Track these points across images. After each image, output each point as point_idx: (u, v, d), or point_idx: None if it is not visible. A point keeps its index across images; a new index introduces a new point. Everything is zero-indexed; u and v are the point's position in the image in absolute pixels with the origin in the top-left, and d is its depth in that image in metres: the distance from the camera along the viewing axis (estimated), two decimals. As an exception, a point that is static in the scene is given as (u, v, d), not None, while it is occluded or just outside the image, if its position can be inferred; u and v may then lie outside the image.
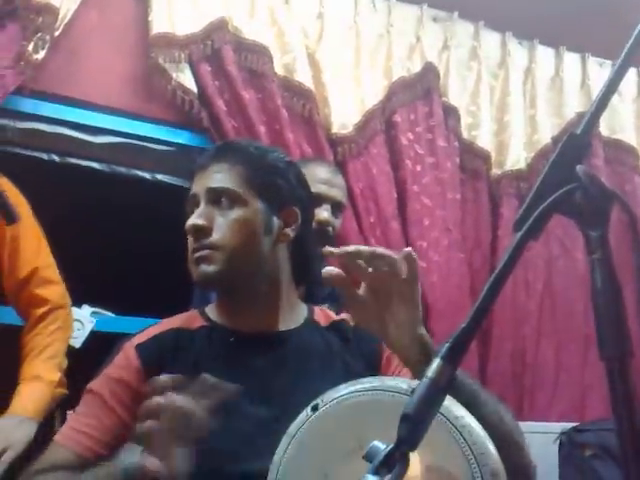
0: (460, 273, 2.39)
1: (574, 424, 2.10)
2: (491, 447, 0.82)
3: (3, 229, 1.59)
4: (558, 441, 1.94)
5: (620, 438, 0.68)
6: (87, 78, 2.09)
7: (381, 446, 0.68)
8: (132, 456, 0.91)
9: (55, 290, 1.67)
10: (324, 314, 1.16)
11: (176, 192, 2.10)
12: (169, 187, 2.16)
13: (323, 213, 1.75)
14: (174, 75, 2.11)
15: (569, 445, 1.91)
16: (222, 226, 1.08)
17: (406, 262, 0.94)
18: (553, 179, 0.76)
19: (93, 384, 1.07)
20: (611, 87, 0.77)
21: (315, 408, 0.84)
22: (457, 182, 2.48)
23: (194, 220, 1.08)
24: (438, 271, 2.36)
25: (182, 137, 2.19)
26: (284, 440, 0.84)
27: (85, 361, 1.63)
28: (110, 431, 1.03)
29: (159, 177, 2.14)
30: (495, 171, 2.57)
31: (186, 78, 2.12)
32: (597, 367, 2.63)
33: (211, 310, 1.15)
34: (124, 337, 1.15)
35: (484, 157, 2.55)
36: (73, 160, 2.03)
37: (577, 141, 0.77)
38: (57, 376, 1.58)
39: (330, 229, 1.78)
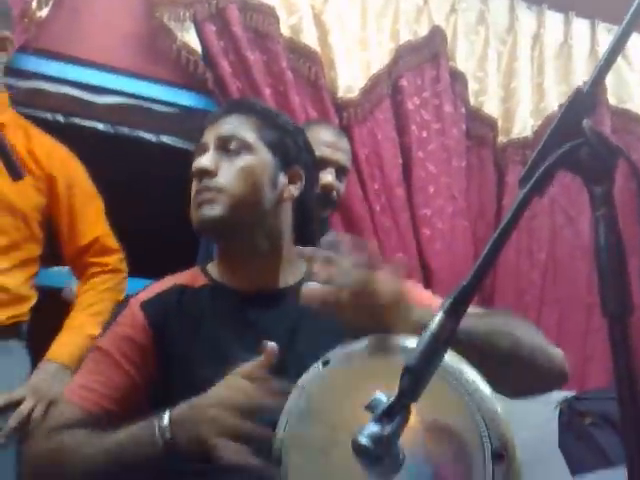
0: (464, 241, 2.39)
1: (574, 393, 2.11)
2: (501, 413, 0.82)
3: (59, 194, 1.59)
4: (558, 409, 1.95)
5: (620, 398, 0.68)
6: (91, 37, 2.07)
7: (383, 397, 0.69)
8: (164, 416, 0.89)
9: (114, 257, 1.71)
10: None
11: (180, 154, 2.09)
12: (173, 149, 2.15)
13: (327, 177, 1.75)
14: (179, 35, 2.09)
15: (569, 413, 1.93)
16: (229, 171, 1.08)
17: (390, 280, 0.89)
18: (559, 135, 0.76)
19: (100, 341, 1.08)
20: (621, 40, 0.76)
21: (326, 363, 0.84)
22: (463, 149, 2.47)
23: (201, 162, 1.08)
24: (442, 239, 2.36)
25: (186, 98, 2.17)
26: (294, 392, 0.84)
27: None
28: (118, 387, 1.03)
29: (163, 139, 2.13)
30: (501, 139, 2.55)
31: (191, 38, 2.10)
32: (599, 337, 2.66)
33: (212, 268, 1.15)
34: (127, 297, 1.16)
35: (491, 124, 2.53)
36: (77, 120, 2.02)
37: (584, 97, 0.77)
38: (98, 332, 1.59)
39: (334, 193, 1.78)
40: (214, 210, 1.06)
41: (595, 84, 0.78)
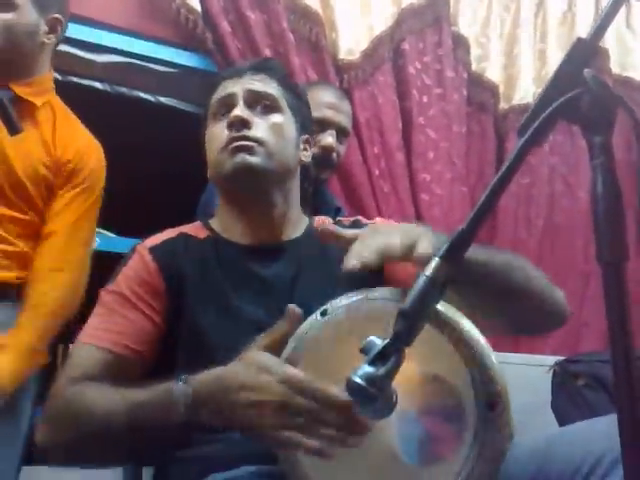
0: (462, 207, 2.39)
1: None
2: (496, 364, 0.82)
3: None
4: (551, 371, 1.97)
5: (613, 345, 0.69)
6: (90, -6, 2.04)
7: (378, 341, 0.70)
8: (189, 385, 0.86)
9: None
10: (322, 221, 1.18)
11: (179, 115, 2.08)
12: (172, 110, 2.13)
13: (328, 138, 1.74)
14: (178, -7, 2.06)
15: (562, 375, 1.95)
16: (263, 126, 1.10)
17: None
18: (560, 84, 0.76)
19: (110, 286, 1.05)
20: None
21: (324, 313, 0.85)
22: (463, 115, 2.45)
23: (239, 112, 1.09)
24: (440, 205, 2.36)
25: (185, 58, 2.15)
26: (291, 341, 0.85)
27: (88, 281, 1.65)
28: (136, 326, 1.01)
29: (162, 99, 2.11)
30: (502, 105, 2.54)
31: (191, -4, 2.08)
32: (594, 305, 2.67)
33: (214, 222, 1.16)
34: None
35: (492, 90, 2.52)
36: (75, 79, 2.00)
37: (585, 46, 0.76)
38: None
39: (334, 155, 1.77)
40: (254, 159, 1.07)
41: (596, 34, 0.78)
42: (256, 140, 1.08)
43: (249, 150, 1.07)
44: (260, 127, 1.10)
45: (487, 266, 0.89)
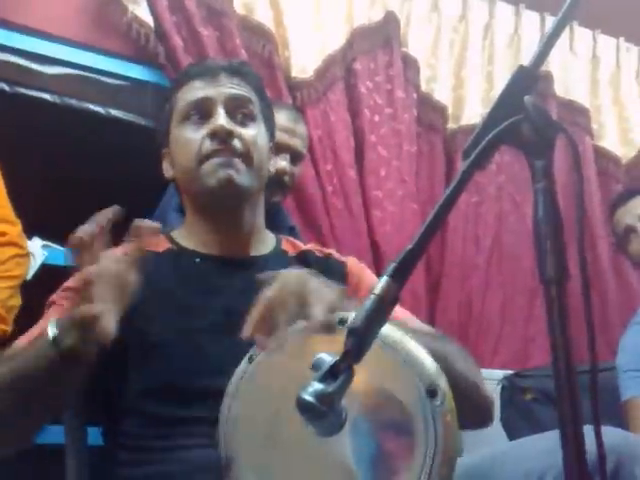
0: (413, 224, 2.42)
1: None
2: (443, 382, 0.83)
3: None
4: (500, 386, 2.01)
5: (555, 361, 0.71)
6: (40, 6, 2.01)
7: (327, 358, 0.71)
8: (60, 324, 0.86)
9: (11, 229, 1.64)
10: (291, 244, 1.17)
11: (129, 128, 2.06)
12: (122, 122, 2.11)
13: (281, 162, 1.72)
14: (130, 7, 2.05)
15: (510, 389, 1.99)
16: (247, 138, 1.06)
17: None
18: (502, 110, 0.79)
19: (53, 296, 1.05)
20: (563, 20, 0.79)
21: (251, 359, 0.85)
22: (414, 134, 2.50)
23: (223, 122, 1.04)
24: (392, 221, 2.39)
25: (137, 72, 2.14)
26: (229, 390, 0.85)
27: (35, 294, 1.62)
28: None
29: (112, 112, 2.09)
30: (451, 125, 2.60)
31: (143, 11, 2.06)
32: (541, 321, 2.73)
33: (178, 234, 1.13)
34: (75, 271, 1.13)
35: (441, 111, 2.57)
36: (23, 90, 1.97)
37: (526, 73, 0.80)
38: None
39: (286, 178, 1.76)
40: (243, 178, 1.05)
41: (537, 61, 0.81)
42: (241, 155, 1.05)
43: (235, 167, 1.04)
44: (242, 139, 1.06)
45: None
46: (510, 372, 2.11)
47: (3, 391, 0.87)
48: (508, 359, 2.49)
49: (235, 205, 1.08)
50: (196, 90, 1.08)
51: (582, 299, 0.72)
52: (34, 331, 1.02)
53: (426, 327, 1.09)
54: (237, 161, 1.04)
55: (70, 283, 1.05)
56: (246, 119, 1.08)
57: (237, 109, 1.07)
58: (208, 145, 1.05)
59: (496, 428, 1.95)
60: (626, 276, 2.77)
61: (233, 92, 1.07)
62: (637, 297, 2.75)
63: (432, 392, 0.79)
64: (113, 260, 0.85)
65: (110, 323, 0.81)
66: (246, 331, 0.82)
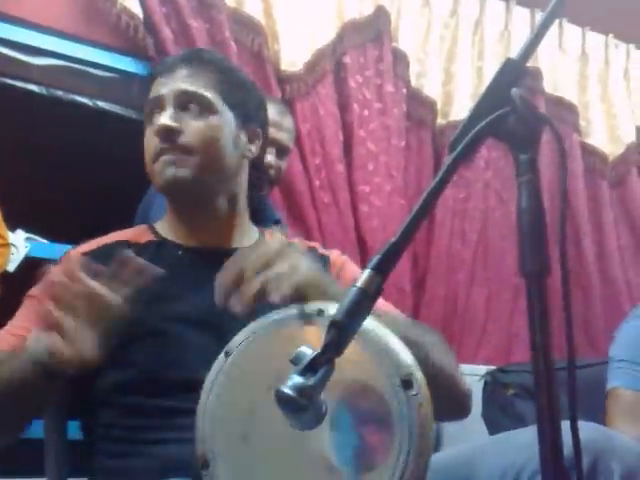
0: (400, 219, 2.39)
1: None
2: (419, 375, 0.83)
3: None
4: (482, 381, 2.02)
5: (534, 356, 0.71)
6: (28, -4, 2.00)
7: (308, 351, 0.71)
8: (38, 342, 0.86)
9: None
10: (275, 237, 1.17)
11: (116, 120, 2.05)
12: (109, 115, 2.10)
13: (267, 156, 1.71)
14: (119, -2, 2.04)
15: (492, 384, 1.99)
16: (193, 131, 1.04)
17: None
18: (489, 103, 0.79)
19: (33, 290, 1.04)
20: (552, 13, 0.79)
21: (227, 353, 0.85)
22: (402, 129, 2.50)
23: (166, 121, 1.04)
24: (379, 216, 2.39)
25: (125, 64, 2.12)
26: (205, 386, 0.84)
27: (18, 286, 1.61)
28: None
29: (100, 104, 2.08)
30: (440, 121, 2.60)
31: (132, 2, 2.05)
32: (524, 316, 2.74)
33: (161, 226, 1.13)
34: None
35: (430, 106, 2.57)
36: (9, 81, 1.96)
37: (513, 66, 0.79)
38: None
39: (272, 171, 1.75)
40: (182, 172, 1.03)
41: (525, 54, 0.81)
42: (185, 150, 1.04)
43: (177, 163, 1.03)
44: (191, 133, 1.05)
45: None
46: (493, 368, 2.12)
47: None
48: (492, 354, 2.50)
49: (191, 199, 1.08)
50: (155, 87, 1.09)
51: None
52: (14, 323, 1.03)
53: (406, 318, 1.09)
54: (182, 157, 1.04)
55: (52, 276, 1.04)
56: (202, 110, 1.06)
57: (189, 103, 1.06)
58: (157, 144, 1.05)
59: (478, 424, 1.96)
60: (611, 273, 2.79)
61: (182, 87, 1.06)
62: (621, 294, 2.77)
63: (407, 383, 0.79)
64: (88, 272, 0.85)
65: (88, 353, 0.83)
66: (218, 298, 0.83)
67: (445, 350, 0.99)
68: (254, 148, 1.12)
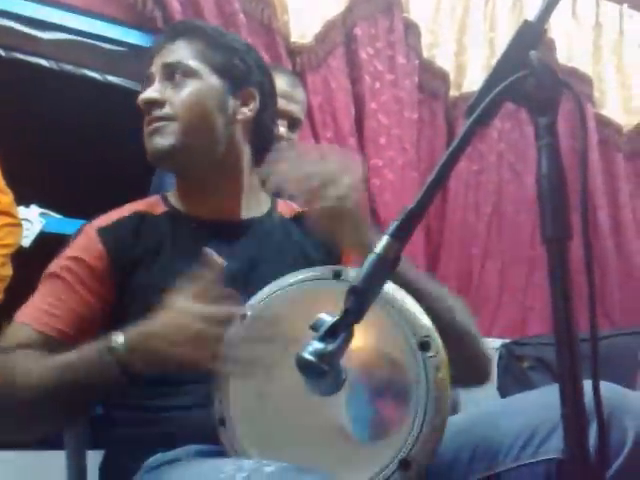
0: (413, 192, 2.41)
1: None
2: (437, 338, 0.83)
3: None
4: (498, 353, 2.02)
5: (556, 321, 0.71)
6: (36, -30, 1.98)
7: (327, 317, 0.71)
8: (119, 337, 0.89)
9: (3, 198, 1.63)
10: (288, 206, 1.16)
11: (127, 94, 2.04)
12: (119, 89, 2.09)
13: (279, 128, 1.70)
14: (128, -29, 2.02)
15: (508, 357, 2.00)
16: (175, 99, 1.06)
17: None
18: (507, 66, 0.77)
19: (52, 266, 1.04)
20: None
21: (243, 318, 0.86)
22: (415, 101, 2.47)
23: (146, 94, 1.07)
24: (392, 189, 2.38)
25: (134, 37, 2.11)
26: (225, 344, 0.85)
27: (33, 262, 1.61)
28: (72, 310, 1.00)
29: (109, 78, 2.07)
30: (453, 92, 2.57)
31: (140, -25, 2.03)
32: (540, 290, 2.74)
33: (172, 196, 1.14)
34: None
35: (443, 77, 2.54)
36: (20, 55, 1.95)
37: (531, 28, 0.78)
38: None
39: (283, 144, 1.74)
40: (165, 139, 1.05)
41: (542, 16, 0.79)
42: (167, 118, 1.05)
43: (161, 131, 1.05)
44: (174, 102, 1.06)
45: (419, 292, 0.90)
46: (508, 341, 2.12)
47: (50, 397, 0.91)
48: (507, 328, 2.50)
49: (180, 167, 1.10)
50: (150, 65, 1.11)
51: (583, 265, 0.71)
52: (35, 302, 1.02)
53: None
54: (164, 125, 1.05)
55: (71, 252, 1.04)
56: (183, 79, 1.07)
57: (173, 72, 1.08)
58: (146, 117, 1.08)
59: (493, 397, 1.97)
60: (626, 246, 2.77)
61: (164, 61, 1.08)
62: (637, 267, 2.75)
63: (425, 344, 0.79)
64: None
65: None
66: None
67: (468, 313, 1.00)
68: (248, 111, 1.11)
